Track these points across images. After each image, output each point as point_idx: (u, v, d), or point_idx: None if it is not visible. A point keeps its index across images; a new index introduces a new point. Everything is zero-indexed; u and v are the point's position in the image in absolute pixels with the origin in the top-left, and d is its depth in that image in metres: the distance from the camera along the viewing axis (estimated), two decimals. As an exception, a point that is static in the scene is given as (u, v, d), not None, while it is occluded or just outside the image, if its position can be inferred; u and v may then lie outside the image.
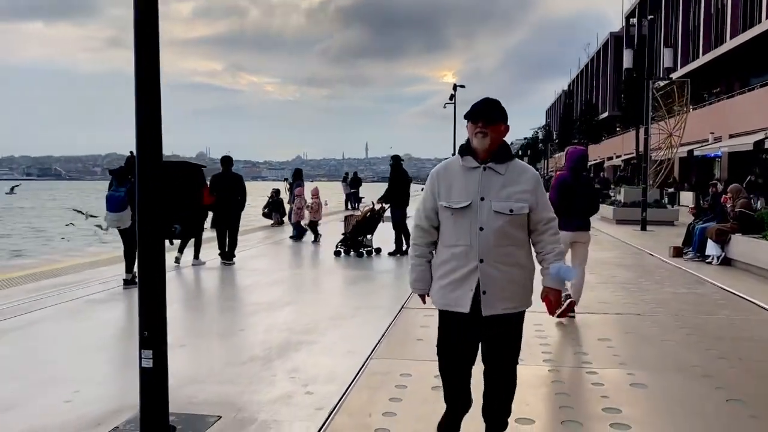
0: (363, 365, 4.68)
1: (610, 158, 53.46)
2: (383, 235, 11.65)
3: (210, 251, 10.42)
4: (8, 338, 5.58)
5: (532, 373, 4.45)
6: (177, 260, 9.72)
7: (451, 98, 37.85)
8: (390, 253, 11.19)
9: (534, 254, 3.10)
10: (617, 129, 54.06)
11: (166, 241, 8.89)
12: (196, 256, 10.00)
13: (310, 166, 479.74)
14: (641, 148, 19.09)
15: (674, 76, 29.53)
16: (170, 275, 3.54)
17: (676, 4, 42.13)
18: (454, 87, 37.57)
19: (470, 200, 2.94)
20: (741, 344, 5.45)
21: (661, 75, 22.00)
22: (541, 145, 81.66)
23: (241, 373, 4.53)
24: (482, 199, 2.93)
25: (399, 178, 11.29)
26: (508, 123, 3.05)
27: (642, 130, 18.67)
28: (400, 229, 11.20)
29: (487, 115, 2.99)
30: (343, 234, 11.58)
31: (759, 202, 14.19)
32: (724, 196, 10.95)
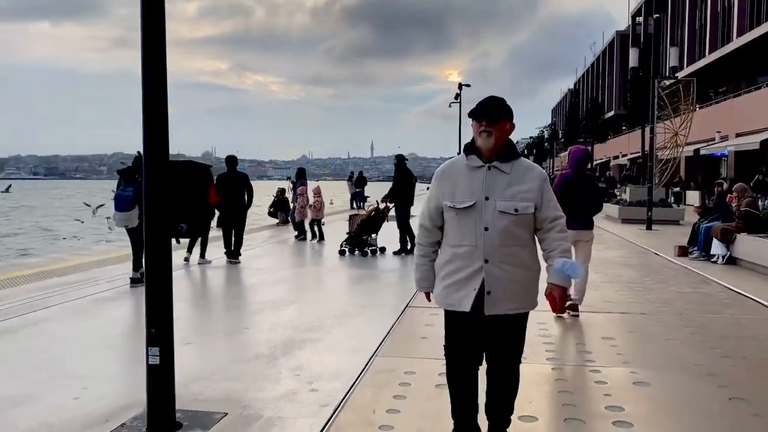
0: (368, 363, 4.72)
1: (616, 157, 53.36)
2: (388, 235, 11.68)
3: (215, 250, 10.47)
4: (17, 336, 5.63)
5: (535, 371, 4.48)
6: (186, 260, 9.83)
7: (456, 97, 37.87)
8: (395, 252, 11.22)
9: (540, 254, 3.06)
10: (623, 128, 53.96)
11: (173, 240, 8.95)
12: (202, 255, 10.06)
13: (316, 165, 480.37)
14: (647, 147, 19.05)
15: (680, 74, 29.44)
16: (177, 274, 3.59)
17: (683, 3, 41.99)
18: (460, 86, 37.58)
19: (475, 200, 2.91)
20: (745, 343, 5.46)
21: (667, 74, 21.92)
22: (546, 144, 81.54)
23: (247, 371, 4.57)
24: (487, 198, 2.90)
25: (403, 177, 11.32)
26: (514, 122, 3.01)
27: (648, 129, 18.63)
28: (404, 229, 11.23)
29: (491, 113, 2.94)
30: (347, 233, 11.62)
31: (766, 202, 14.14)
32: (729, 195, 10.93)
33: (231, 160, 10.78)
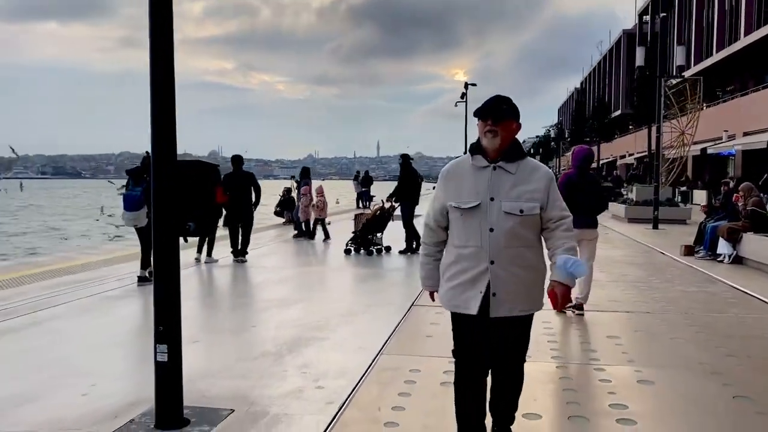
0: (373, 361, 4.75)
1: (623, 156, 53.20)
2: (394, 234, 11.72)
3: (222, 249, 10.52)
4: (26, 334, 5.69)
5: (540, 369, 4.50)
6: (197, 260, 9.91)
7: (462, 96, 37.86)
8: (401, 252, 11.25)
9: (546, 255, 3.03)
10: (630, 127, 53.78)
11: (181, 239, 9.01)
12: (209, 253, 10.13)
13: (322, 164, 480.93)
14: (653, 147, 19.01)
15: (688, 73, 29.33)
16: (184, 273, 3.64)
17: (690, 2, 41.86)
18: (466, 85, 37.56)
19: (480, 200, 2.88)
20: (751, 342, 5.46)
21: (674, 73, 21.89)
22: (553, 143, 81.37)
23: (253, 368, 4.61)
24: (492, 199, 2.87)
25: (408, 176, 11.36)
26: (520, 121, 2.97)
27: (654, 129, 18.59)
28: (409, 228, 11.26)
29: (497, 112, 2.91)
30: (353, 232, 11.66)
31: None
32: (735, 194, 10.91)
33: (237, 160, 10.84)
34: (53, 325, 6.02)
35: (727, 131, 30.56)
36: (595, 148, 52.43)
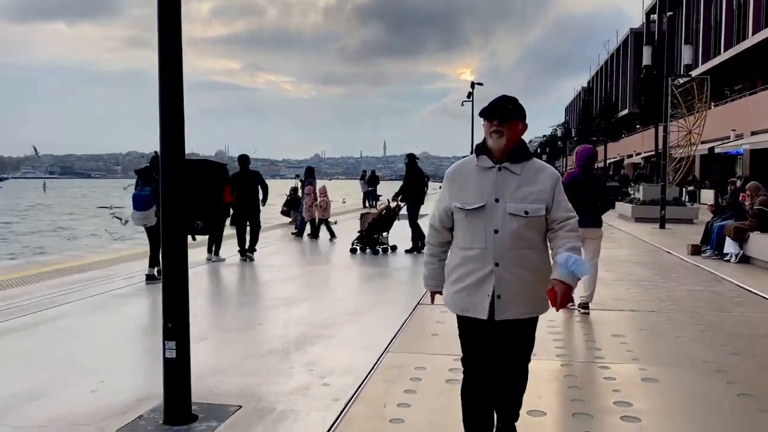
0: (379, 359, 4.79)
1: (630, 156, 53.06)
2: (399, 233, 11.75)
3: (229, 248, 10.58)
4: (35, 331, 5.76)
5: (544, 367, 4.52)
6: (209, 260, 10.01)
7: (468, 96, 37.82)
8: (407, 251, 11.28)
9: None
10: (637, 126, 53.63)
11: (189, 238, 9.07)
12: (216, 252, 10.19)
13: (329, 164, 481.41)
14: (660, 146, 18.96)
15: (695, 72, 29.24)
16: (192, 272, 3.67)
17: (698, 0, 41.69)
18: (472, 84, 37.51)
19: (484, 201, 2.84)
20: (756, 341, 5.47)
21: (681, 72, 21.84)
22: (559, 142, 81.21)
23: (260, 366, 4.66)
24: (497, 200, 2.84)
25: (414, 175, 11.39)
26: (526, 122, 2.94)
27: (661, 128, 18.55)
28: (415, 227, 11.30)
29: (502, 112, 2.87)
30: (359, 231, 11.70)
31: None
32: (742, 194, 10.89)
33: (243, 159, 10.91)
34: (62, 323, 6.09)
35: (734, 130, 30.45)
36: (601, 148, 52.31)
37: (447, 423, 3.52)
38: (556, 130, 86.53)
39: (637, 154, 49.55)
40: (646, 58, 19.36)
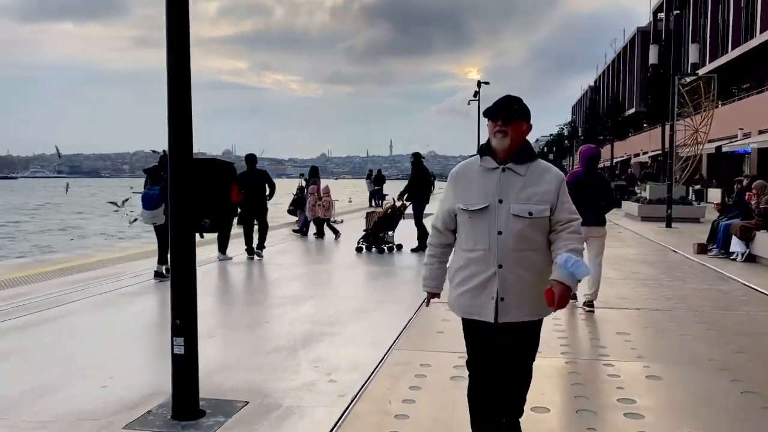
0: (385, 356, 4.83)
1: (637, 155, 52.90)
2: (405, 232, 11.79)
3: (236, 247, 10.65)
4: (45, 328, 5.82)
5: (549, 364, 4.55)
6: (221, 259, 10.07)
7: (475, 95, 37.78)
8: (413, 249, 11.32)
9: None
10: (644, 125, 53.47)
11: (197, 236, 9.15)
12: (223, 251, 10.25)
13: (335, 163, 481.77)
14: (667, 145, 18.94)
15: (703, 71, 29.13)
16: (200, 270, 3.71)
17: (705, -1, 41.55)
18: (478, 84, 37.47)
19: (488, 202, 2.82)
20: (761, 339, 5.48)
21: (688, 71, 21.78)
22: (566, 141, 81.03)
23: (267, 362, 4.71)
24: (500, 201, 2.81)
25: (420, 174, 11.43)
26: (531, 122, 2.92)
27: (667, 127, 18.52)
28: (420, 226, 11.34)
29: (506, 112, 2.84)
30: (364, 230, 11.74)
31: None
32: (748, 193, 10.88)
33: (250, 159, 10.98)
34: (71, 320, 6.16)
35: (742, 129, 30.32)
36: (608, 147, 52.16)
37: (451, 419, 3.56)
38: (562, 129, 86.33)
39: (644, 153, 49.39)
40: (653, 57, 19.31)
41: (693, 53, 19.55)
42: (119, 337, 5.54)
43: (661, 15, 50.68)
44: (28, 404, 3.88)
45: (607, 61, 76.97)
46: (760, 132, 28.32)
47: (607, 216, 6.53)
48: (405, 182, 12.03)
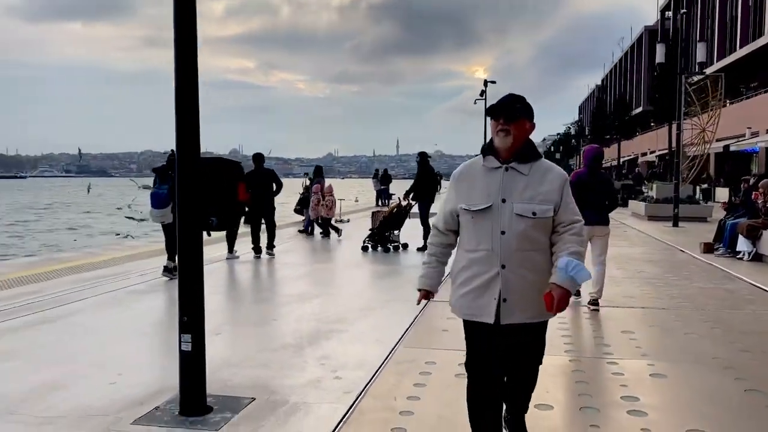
0: (390, 353, 4.87)
1: (644, 154, 52.74)
2: (411, 231, 11.82)
3: (243, 245, 10.70)
4: (54, 326, 5.89)
5: (553, 362, 4.56)
6: (227, 257, 10.15)
7: (481, 94, 37.77)
8: (419, 249, 11.34)
9: None
10: (651, 124, 53.29)
11: (204, 234, 9.21)
12: (230, 250, 10.31)
13: (342, 162, 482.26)
14: (674, 144, 18.89)
15: (710, 69, 29.03)
16: (207, 268, 3.75)
17: (713, -3, 41.37)
18: (485, 83, 37.45)
19: (491, 202, 2.79)
20: (766, 338, 5.49)
21: (696, 69, 21.72)
22: (573, 140, 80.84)
23: (274, 359, 4.76)
24: (504, 201, 2.79)
25: (426, 174, 11.47)
26: (535, 121, 2.90)
27: (674, 126, 18.48)
28: (426, 225, 11.38)
29: (509, 111, 2.82)
30: (370, 230, 11.78)
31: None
32: (755, 192, 10.85)
33: (258, 158, 11.05)
34: (80, 318, 6.22)
35: (750, 128, 30.18)
36: (615, 146, 52.01)
37: (456, 416, 3.58)
38: (569, 128, 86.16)
39: (652, 152, 49.23)
40: (660, 56, 19.26)
41: (700, 52, 19.49)
42: (127, 335, 5.60)
43: (669, 13, 50.50)
44: (37, 400, 3.93)
45: (615, 59, 76.72)
46: (768, 131, 28.20)
47: (614, 215, 6.57)
48: (412, 181, 12.06)
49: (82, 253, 11.67)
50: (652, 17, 62.21)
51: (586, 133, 69.49)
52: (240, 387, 4.12)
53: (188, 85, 3.59)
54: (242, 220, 10.78)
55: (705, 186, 29.47)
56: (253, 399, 3.91)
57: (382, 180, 30.10)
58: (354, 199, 31.48)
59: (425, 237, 11.36)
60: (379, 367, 4.52)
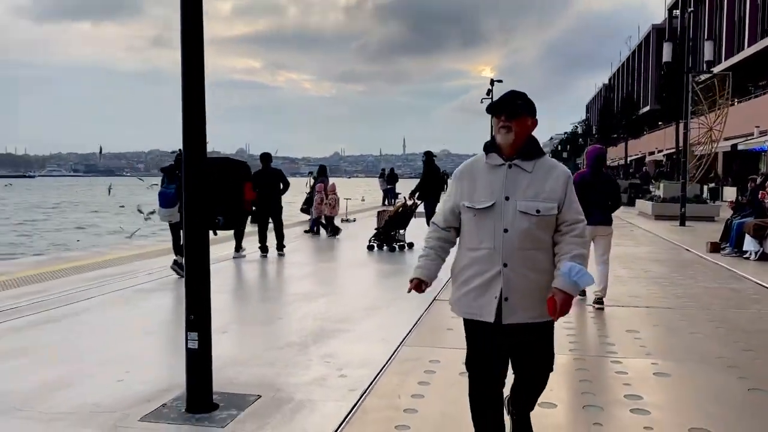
0: (395, 352, 4.90)
1: (652, 153, 52.54)
2: (416, 230, 11.83)
3: (249, 245, 10.76)
4: (62, 324, 5.95)
5: (557, 361, 4.49)
6: (234, 256, 10.22)
7: (488, 93, 37.71)
8: (425, 248, 11.36)
9: None
10: (659, 123, 53.09)
11: (210, 233, 9.26)
12: (237, 249, 10.37)
13: (348, 162, 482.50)
14: (681, 143, 18.84)
15: (719, 68, 28.89)
16: (213, 268, 3.78)
17: (721, -5, 41.18)
18: (491, 82, 37.40)
19: (494, 200, 2.76)
20: (771, 338, 5.49)
21: (703, 68, 21.64)
22: (580, 140, 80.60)
23: (279, 357, 4.79)
24: (507, 198, 2.76)
25: (431, 173, 11.50)
26: (537, 117, 2.86)
27: (681, 125, 18.43)
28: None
29: (510, 107, 2.80)
30: (375, 229, 11.80)
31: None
32: (762, 191, 10.82)
33: (265, 158, 11.09)
34: (88, 316, 6.28)
35: (758, 127, 30.02)
36: (622, 145, 51.83)
37: (459, 414, 3.60)
38: (576, 127, 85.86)
39: (659, 151, 49.05)
40: (667, 55, 19.21)
41: (708, 50, 19.41)
42: (134, 333, 5.65)
43: (677, 12, 50.27)
44: (46, 397, 3.98)
45: (622, 58, 76.43)
46: (777, 130, 28.06)
47: (621, 215, 6.60)
48: (417, 180, 12.09)
49: (89, 252, 11.75)
50: (660, 16, 62.02)
51: (594, 132, 69.31)
52: (246, 385, 4.16)
53: (195, 84, 3.63)
54: (249, 219, 10.84)
55: (713, 185, 29.34)
56: (259, 396, 3.95)
57: (389, 179, 30.09)
58: (360, 199, 31.50)
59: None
60: (384, 366, 4.55)
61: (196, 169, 3.68)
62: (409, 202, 11.77)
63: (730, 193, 28.30)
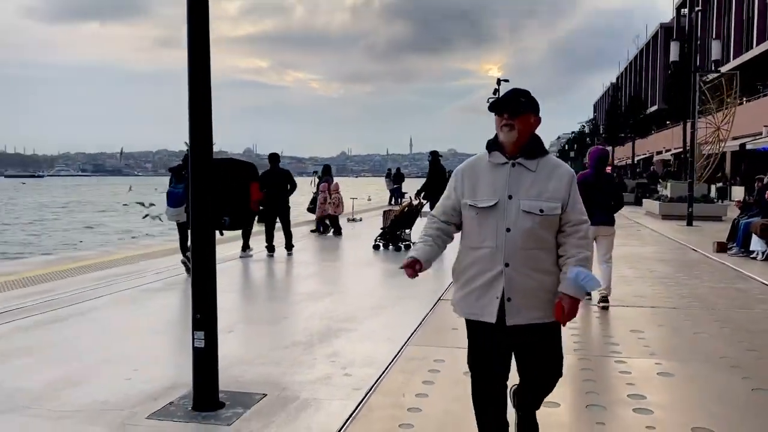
0: (399, 351, 4.93)
1: (660, 152, 52.34)
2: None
3: (256, 244, 10.80)
4: (70, 323, 6.00)
5: (561, 360, 4.60)
6: (250, 255, 10.31)
7: (495, 92, 37.65)
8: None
9: None
10: (667, 123, 52.88)
11: (217, 233, 9.32)
12: (244, 248, 10.42)
13: (355, 161, 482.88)
14: (689, 143, 18.78)
15: (727, 67, 28.73)
16: (220, 267, 3.81)
17: (729, -6, 40.97)
18: (498, 81, 37.35)
19: (497, 199, 2.73)
20: (775, 337, 5.48)
21: (711, 68, 21.56)
22: (588, 139, 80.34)
23: (285, 356, 4.83)
24: (510, 197, 2.72)
25: (437, 173, 11.52)
26: (540, 115, 2.82)
27: (689, 124, 18.38)
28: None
29: (512, 105, 2.76)
30: (381, 228, 11.84)
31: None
32: (768, 191, 10.78)
33: (274, 158, 11.15)
34: (95, 315, 6.33)
35: (767, 126, 29.87)
36: (629, 144, 51.64)
37: (463, 412, 3.63)
38: (584, 126, 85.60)
39: (667, 151, 48.86)
40: (674, 54, 19.15)
41: (715, 50, 19.34)
42: (142, 332, 5.70)
43: (685, 11, 50.03)
44: (54, 396, 4.03)
45: (630, 57, 76.17)
46: (785, 129, 27.90)
47: (628, 214, 6.64)
48: (424, 180, 12.11)
49: (97, 251, 11.84)
50: (668, 15, 61.76)
51: (601, 131, 69.07)
52: (252, 383, 4.20)
53: (201, 84, 3.66)
54: (256, 219, 10.89)
55: (720, 185, 29.21)
56: (265, 395, 3.99)
57: (395, 179, 30.11)
58: (367, 198, 31.53)
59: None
60: (389, 365, 4.58)
61: (202, 169, 3.72)
62: (415, 202, 11.80)
63: (738, 192, 28.16)
